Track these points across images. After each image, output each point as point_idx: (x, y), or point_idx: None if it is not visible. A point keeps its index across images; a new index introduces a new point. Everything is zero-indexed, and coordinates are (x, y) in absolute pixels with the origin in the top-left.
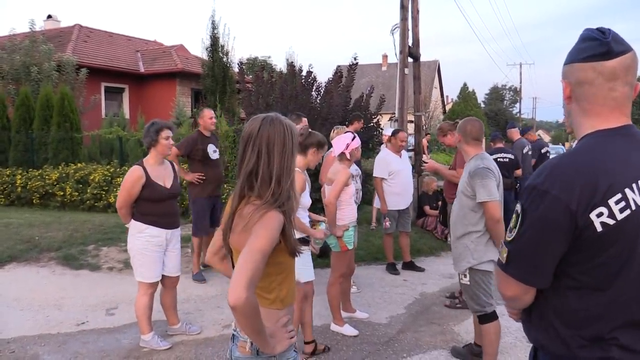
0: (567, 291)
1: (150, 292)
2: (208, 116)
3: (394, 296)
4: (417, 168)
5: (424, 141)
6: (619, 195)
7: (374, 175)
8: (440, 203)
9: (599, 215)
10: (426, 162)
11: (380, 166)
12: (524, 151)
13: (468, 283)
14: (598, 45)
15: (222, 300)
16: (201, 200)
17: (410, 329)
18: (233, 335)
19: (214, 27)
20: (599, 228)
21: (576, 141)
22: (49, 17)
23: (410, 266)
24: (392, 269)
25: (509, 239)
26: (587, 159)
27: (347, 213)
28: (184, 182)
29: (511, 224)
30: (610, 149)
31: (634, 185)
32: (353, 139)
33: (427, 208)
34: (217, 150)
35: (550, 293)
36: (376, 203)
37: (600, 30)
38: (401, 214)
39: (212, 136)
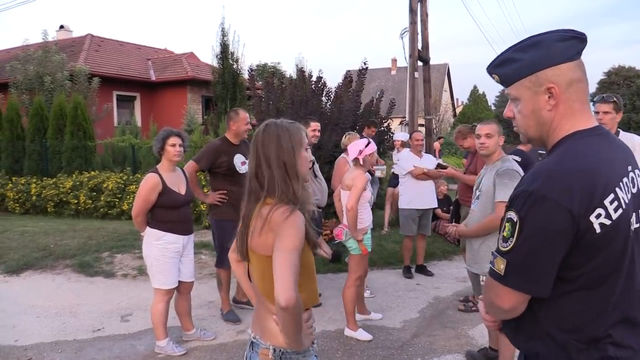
0: (561, 296)
1: (166, 299)
2: (244, 120)
3: (408, 300)
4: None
5: (437, 145)
6: (612, 195)
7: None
8: (451, 207)
9: (598, 216)
10: (445, 167)
11: (402, 163)
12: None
13: None
14: (579, 43)
15: (236, 306)
16: (225, 224)
17: (425, 333)
18: (252, 342)
19: (223, 34)
20: (598, 229)
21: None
22: (61, 27)
23: (421, 269)
24: (407, 272)
25: (506, 249)
26: (581, 161)
27: (365, 216)
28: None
29: (505, 233)
30: (597, 150)
31: (620, 183)
32: (367, 145)
33: (439, 211)
34: (247, 162)
35: (543, 299)
36: (399, 204)
37: (568, 30)
38: (422, 216)
39: (242, 144)
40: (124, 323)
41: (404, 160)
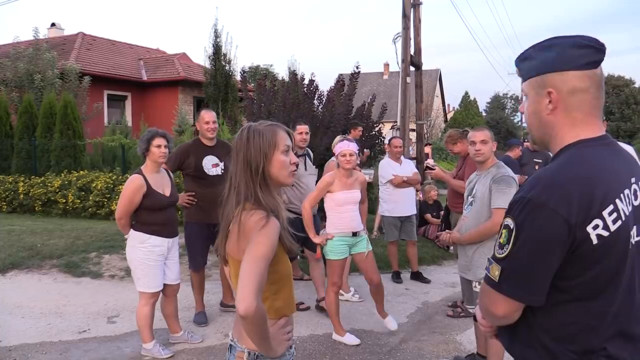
0: (556, 306)
1: (152, 302)
2: (204, 119)
3: (396, 305)
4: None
5: (428, 149)
6: (611, 207)
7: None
8: (442, 212)
9: (595, 227)
10: (433, 169)
11: (381, 171)
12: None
13: None
14: (594, 53)
15: (223, 310)
16: (191, 226)
17: (413, 338)
18: (230, 345)
19: (216, 35)
20: (595, 240)
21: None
22: (53, 25)
23: (416, 276)
24: (396, 277)
25: (501, 256)
26: (581, 170)
27: (334, 221)
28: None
29: (501, 240)
30: (599, 159)
31: (621, 195)
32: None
33: (428, 216)
34: (221, 164)
35: (538, 308)
36: (380, 211)
37: (588, 38)
38: (404, 223)
39: (215, 146)
40: (111, 324)
41: (383, 169)
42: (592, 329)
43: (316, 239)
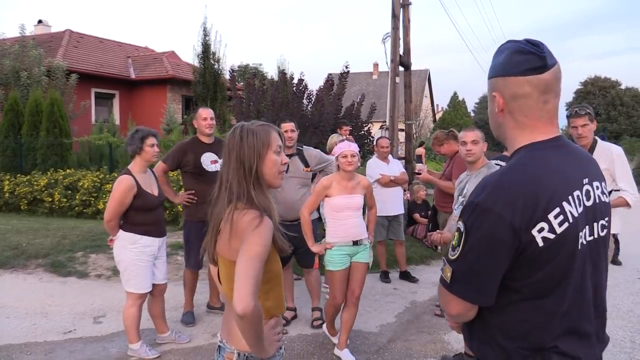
0: (508, 305)
1: (139, 303)
2: (202, 116)
3: (384, 305)
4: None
5: (422, 150)
6: (557, 209)
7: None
8: (430, 212)
9: (540, 230)
10: (419, 173)
11: (368, 171)
12: None
13: None
14: (535, 59)
15: (210, 311)
16: (190, 224)
17: (401, 337)
18: (219, 346)
19: (205, 34)
20: (541, 243)
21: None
22: (40, 22)
23: (405, 276)
24: (384, 277)
25: (453, 258)
26: (527, 173)
27: (333, 229)
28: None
29: (454, 242)
30: (547, 162)
31: (570, 197)
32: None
33: (417, 216)
34: (220, 161)
35: (492, 307)
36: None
37: (533, 43)
38: (392, 222)
39: (213, 143)
40: (97, 325)
41: (370, 168)
42: (543, 327)
43: (314, 248)
